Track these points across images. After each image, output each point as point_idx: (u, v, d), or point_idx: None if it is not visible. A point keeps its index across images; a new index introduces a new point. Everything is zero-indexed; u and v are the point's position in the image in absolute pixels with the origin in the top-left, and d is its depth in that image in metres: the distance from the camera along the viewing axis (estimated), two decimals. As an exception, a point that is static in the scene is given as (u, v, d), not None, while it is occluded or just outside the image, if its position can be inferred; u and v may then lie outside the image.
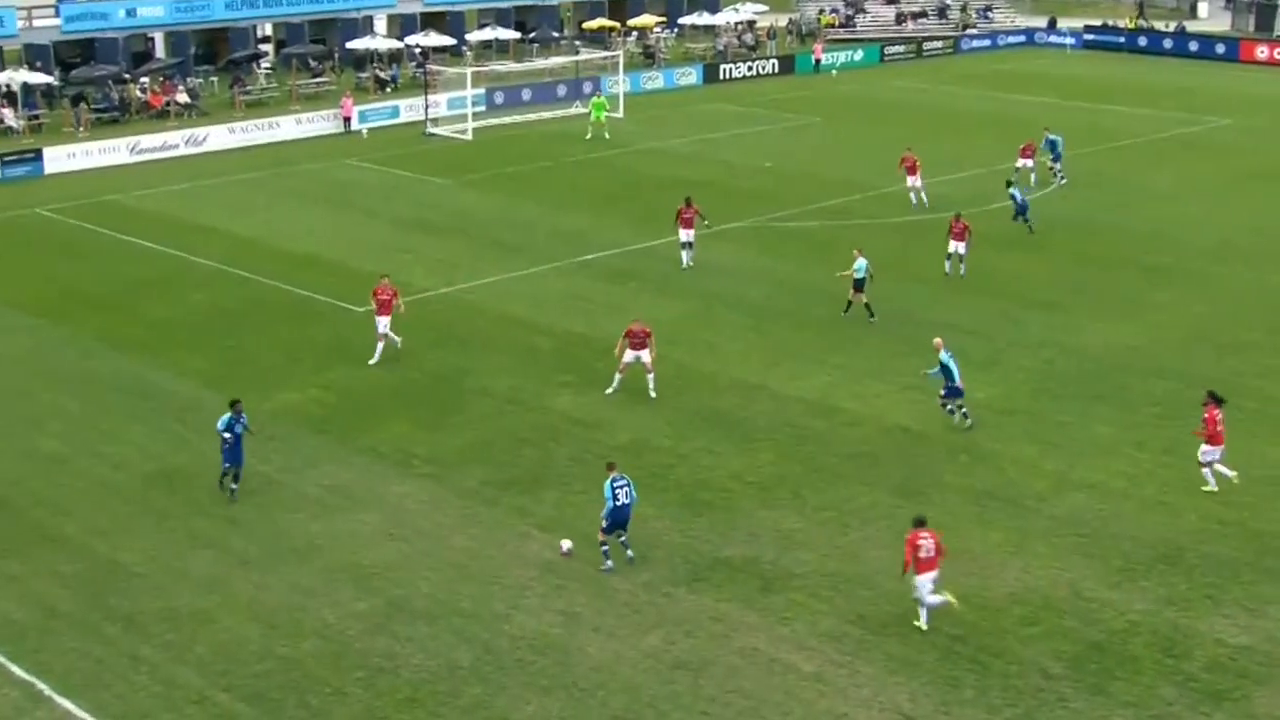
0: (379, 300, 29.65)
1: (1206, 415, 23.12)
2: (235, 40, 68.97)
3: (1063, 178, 46.70)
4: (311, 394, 28.08)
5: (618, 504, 20.85)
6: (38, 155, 49.74)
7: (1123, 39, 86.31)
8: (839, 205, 43.93)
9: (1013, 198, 40.40)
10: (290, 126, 56.43)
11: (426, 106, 58.12)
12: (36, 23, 63.89)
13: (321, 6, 72.37)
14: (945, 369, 25.89)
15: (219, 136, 54.19)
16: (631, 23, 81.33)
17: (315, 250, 38.61)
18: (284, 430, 26.26)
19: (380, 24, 74.58)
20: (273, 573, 21.10)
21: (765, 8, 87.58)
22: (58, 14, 64.22)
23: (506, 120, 59.69)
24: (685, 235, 36.55)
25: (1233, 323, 32.36)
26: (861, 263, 32.46)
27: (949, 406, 26.16)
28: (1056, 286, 35.37)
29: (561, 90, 63.38)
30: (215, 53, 69.37)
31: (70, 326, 32.43)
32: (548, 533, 22.15)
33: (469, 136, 55.87)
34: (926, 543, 19.00)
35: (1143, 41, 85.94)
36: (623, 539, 21.23)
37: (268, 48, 71.78)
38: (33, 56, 61.13)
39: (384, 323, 29.62)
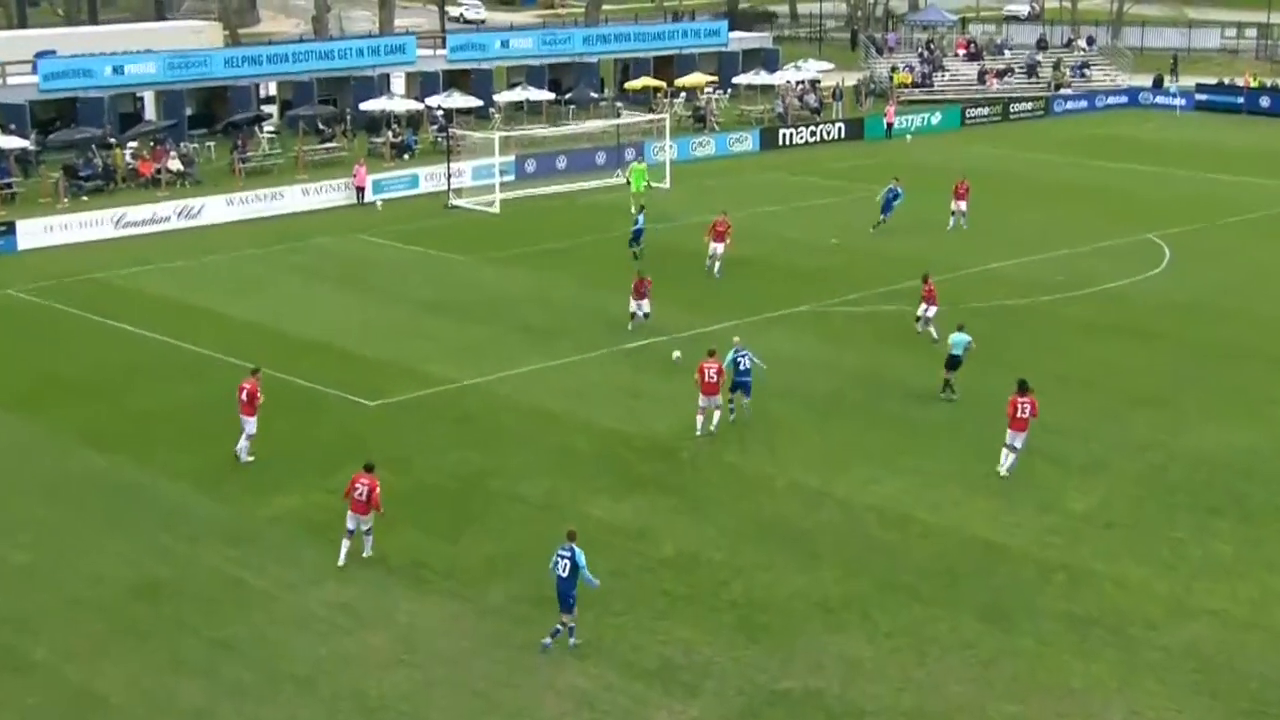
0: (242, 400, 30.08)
1: None
2: (235, 100, 70.54)
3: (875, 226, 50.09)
4: (315, 498, 28.37)
5: (556, 574, 22.00)
6: (10, 229, 50.20)
7: (1241, 99, 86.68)
8: (915, 288, 44.05)
9: None
10: (296, 197, 57.50)
11: (449, 175, 59.09)
12: (11, 80, 65.51)
13: (332, 64, 74.06)
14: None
15: (216, 208, 55.28)
16: (679, 82, 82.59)
17: (323, 336, 39.18)
18: (284, 540, 26.52)
19: (398, 83, 76.18)
20: (269, 703, 21.23)
21: (830, 65, 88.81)
22: (35, 70, 65.68)
23: (539, 191, 60.57)
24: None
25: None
26: (961, 338, 33.01)
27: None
28: (1164, 380, 35.37)
29: (601, 158, 64.35)
30: (213, 114, 70.90)
31: (45, 422, 32.99)
32: (584, 660, 22.19)
33: (496, 209, 56.72)
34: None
35: (1265, 102, 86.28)
36: (568, 624, 22.07)
37: (272, 109, 73.42)
38: (6, 117, 62.15)
39: (251, 423, 30.03)
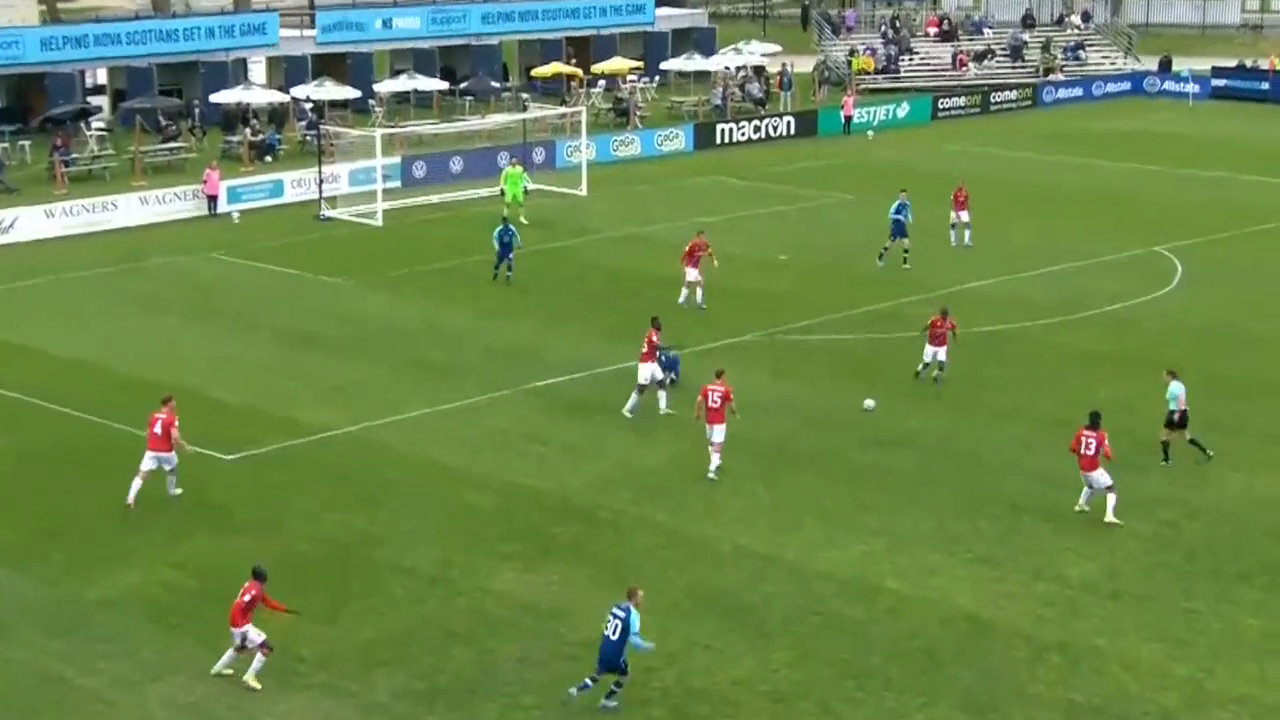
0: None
1: None
2: (55, 90, 69.93)
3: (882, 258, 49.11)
4: (159, 574, 28.07)
5: (604, 634, 23.15)
6: None
7: (1266, 85, 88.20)
8: (883, 311, 44.54)
9: None
10: (133, 208, 57.14)
11: (321, 181, 58.96)
12: None
13: (176, 46, 73.76)
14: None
15: (31, 221, 54.75)
16: (597, 69, 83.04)
17: (165, 376, 38.80)
18: (120, 627, 26.21)
19: (257, 70, 76.11)
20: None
21: (777, 48, 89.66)
22: None
23: (430, 199, 60.56)
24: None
25: None
26: (1177, 388, 33.01)
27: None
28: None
29: (503, 159, 64.43)
30: (26, 107, 70.28)
31: None
32: (485, 765, 22.08)
33: (379, 221, 56.63)
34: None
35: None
36: (619, 682, 23.06)
37: (101, 101, 72.93)
38: None
39: (151, 459, 30.59)
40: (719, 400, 32.12)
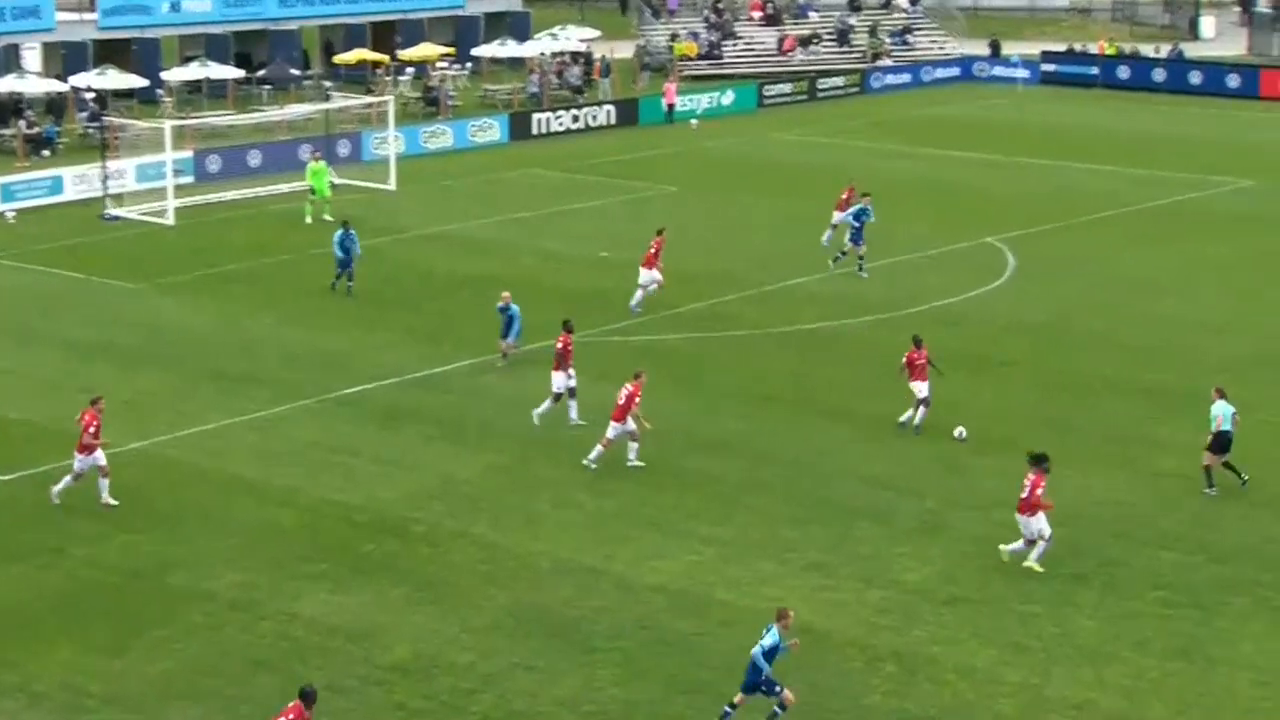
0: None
1: None
2: None
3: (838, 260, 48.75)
4: (-68, 606, 27.48)
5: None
6: None
7: (1096, 70, 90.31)
8: (707, 310, 44.91)
9: None
10: (-103, 208, 55.76)
11: (105, 177, 57.98)
12: None
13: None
14: None
15: None
16: (405, 55, 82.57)
17: (-62, 391, 38.07)
18: (-109, 662, 25.59)
19: (31, 56, 74.54)
20: None
21: (596, 33, 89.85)
22: None
23: (225, 196, 59.79)
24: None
25: (1271, 467, 33.50)
26: (1226, 408, 32.16)
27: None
28: (1014, 420, 36.49)
29: (304, 152, 63.84)
30: None
31: None
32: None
33: (170, 220, 55.82)
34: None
35: (1124, 73, 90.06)
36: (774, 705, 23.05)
37: None
38: None
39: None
40: (623, 399, 32.73)
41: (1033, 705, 24.33)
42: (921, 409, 35.37)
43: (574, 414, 35.72)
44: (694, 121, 77.89)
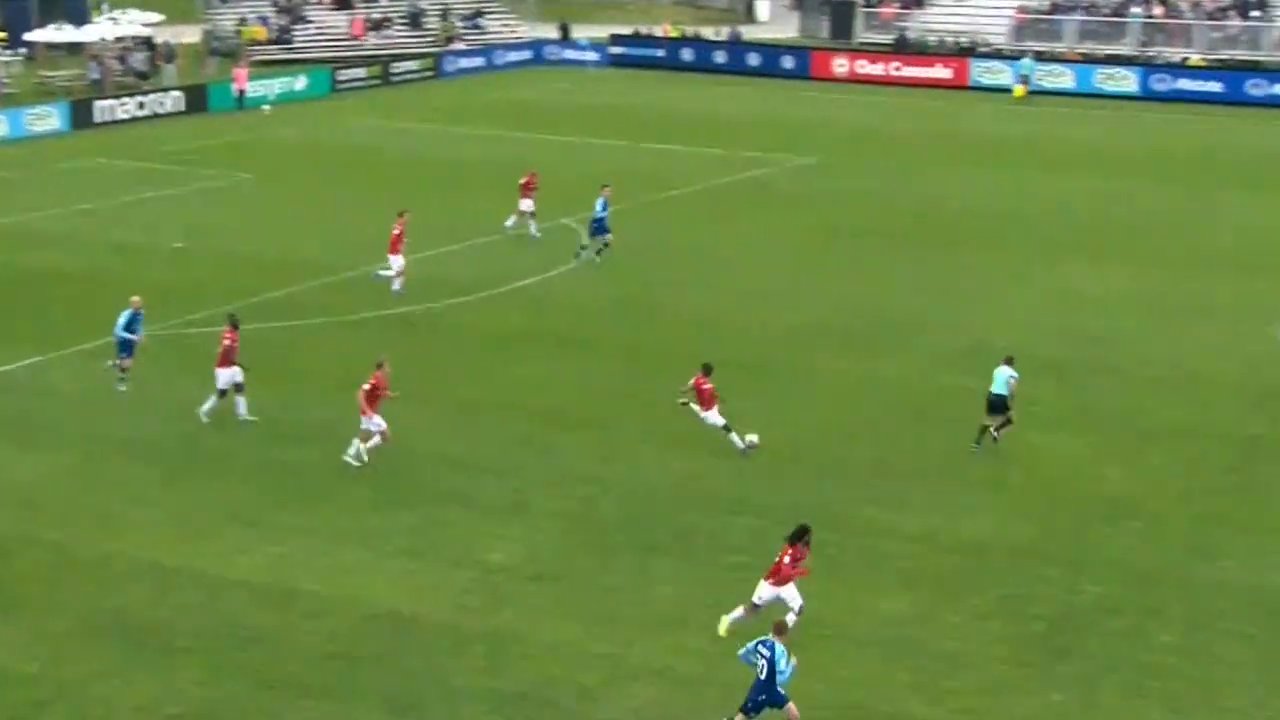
0: None
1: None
2: None
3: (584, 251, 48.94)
4: None
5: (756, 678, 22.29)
6: None
7: (662, 52, 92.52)
8: (285, 298, 44.32)
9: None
10: None
11: None
12: None
13: None
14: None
15: None
16: (-48, 41, 79.19)
17: None
18: None
19: None
20: None
21: (160, 16, 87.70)
22: None
23: None
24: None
25: (832, 433, 34.96)
26: (1005, 373, 33.50)
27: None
28: (595, 398, 37.10)
29: None
30: None
31: None
32: None
33: None
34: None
35: (688, 54, 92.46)
36: None
37: None
38: None
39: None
40: (367, 386, 32.21)
41: (616, 675, 24.69)
42: (732, 436, 33.45)
43: (242, 410, 34.76)
44: (266, 107, 76.81)
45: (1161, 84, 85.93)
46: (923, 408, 36.47)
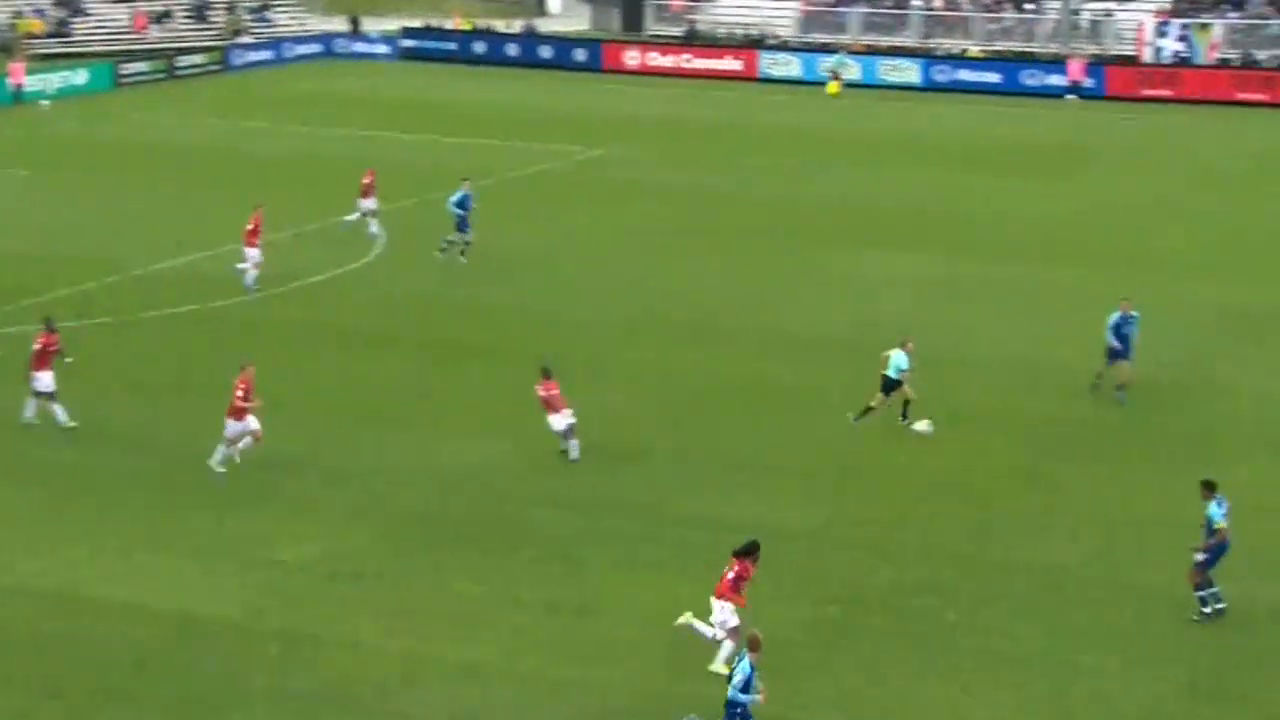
0: None
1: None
2: None
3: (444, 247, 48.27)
4: None
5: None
6: None
7: (454, 45, 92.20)
8: (67, 297, 43.25)
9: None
10: None
11: None
12: None
13: None
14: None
15: None
16: None
17: None
18: None
19: None
20: None
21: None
22: None
23: None
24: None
25: (628, 425, 34.95)
26: (901, 357, 34.19)
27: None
28: (396, 392, 36.79)
29: None
30: None
31: None
32: None
33: None
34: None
35: (480, 47, 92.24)
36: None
37: None
38: None
39: None
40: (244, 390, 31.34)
41: (415, 671, 24.50)
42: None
43: (61, 416, 33.59)
44: (45, 103, 75.06)
45: (942, 75, 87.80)
46: (721, 397, 36.76)
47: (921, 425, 34.60)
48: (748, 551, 24.52)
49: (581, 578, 27.46)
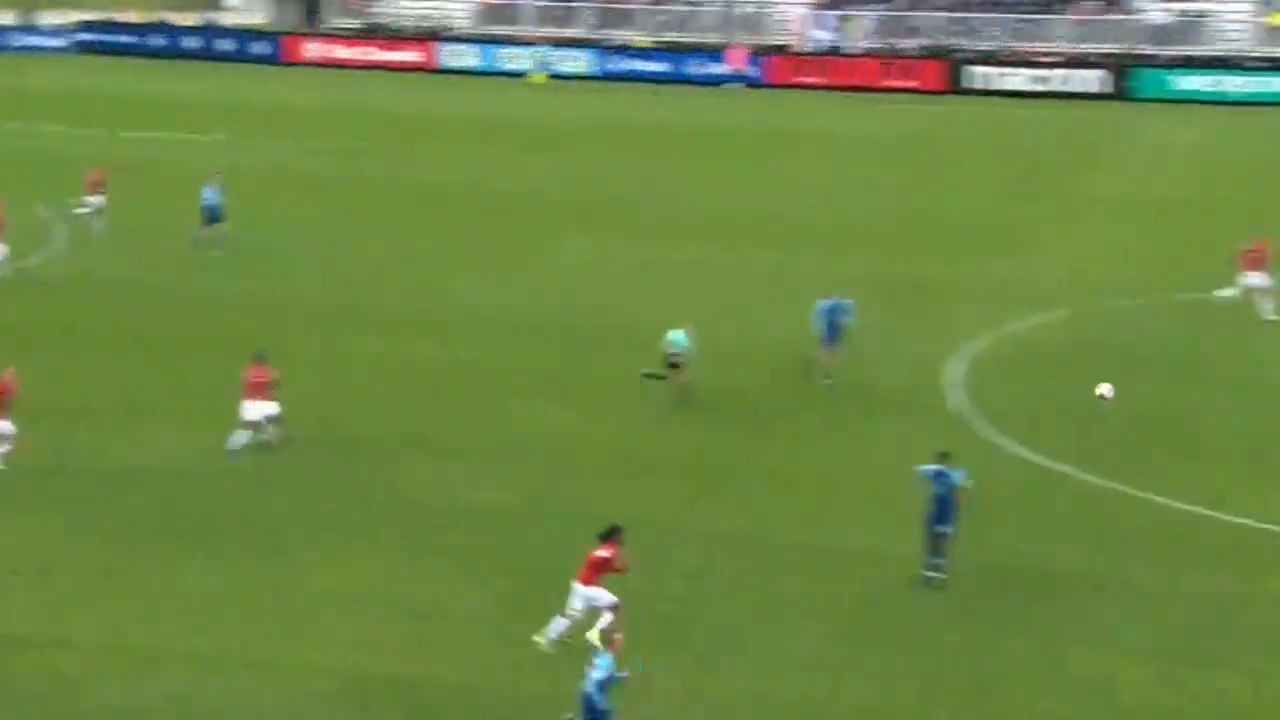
0: None
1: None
2: None
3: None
4: None
5: None
6: None
7: (134, 38, 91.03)
8: None
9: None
10: None
11: None
12: None
13: None
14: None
15: None
16: None
17: None
18: None
19: None
20: None
21: None
22: None
23: None
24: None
25: (361, 409, 35.03)
26: (681, 336, 34.61)
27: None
28: (112, 386, 36.10)
29: None
30: None
31: None
32: None
33: None
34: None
35: (160, 40, 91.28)
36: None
37: None
38: None
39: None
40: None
41: (144, 665, 23.81)
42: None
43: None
44: None
45: (614, 65, 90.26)
46: (410, 380, 37.06)
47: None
48: (611, 533, 24.32)
49: (298, 560, 27.21)
